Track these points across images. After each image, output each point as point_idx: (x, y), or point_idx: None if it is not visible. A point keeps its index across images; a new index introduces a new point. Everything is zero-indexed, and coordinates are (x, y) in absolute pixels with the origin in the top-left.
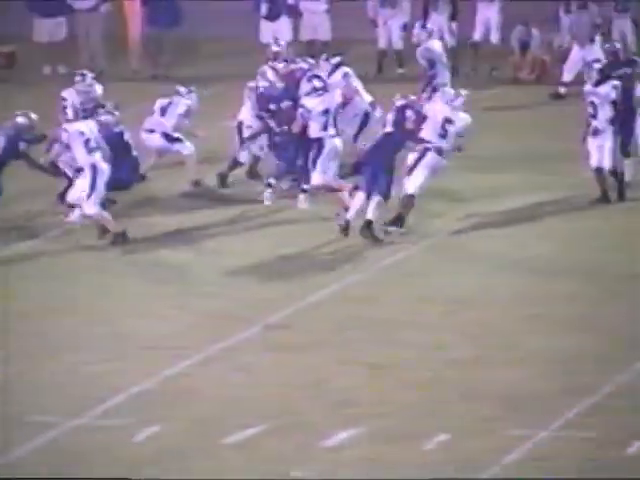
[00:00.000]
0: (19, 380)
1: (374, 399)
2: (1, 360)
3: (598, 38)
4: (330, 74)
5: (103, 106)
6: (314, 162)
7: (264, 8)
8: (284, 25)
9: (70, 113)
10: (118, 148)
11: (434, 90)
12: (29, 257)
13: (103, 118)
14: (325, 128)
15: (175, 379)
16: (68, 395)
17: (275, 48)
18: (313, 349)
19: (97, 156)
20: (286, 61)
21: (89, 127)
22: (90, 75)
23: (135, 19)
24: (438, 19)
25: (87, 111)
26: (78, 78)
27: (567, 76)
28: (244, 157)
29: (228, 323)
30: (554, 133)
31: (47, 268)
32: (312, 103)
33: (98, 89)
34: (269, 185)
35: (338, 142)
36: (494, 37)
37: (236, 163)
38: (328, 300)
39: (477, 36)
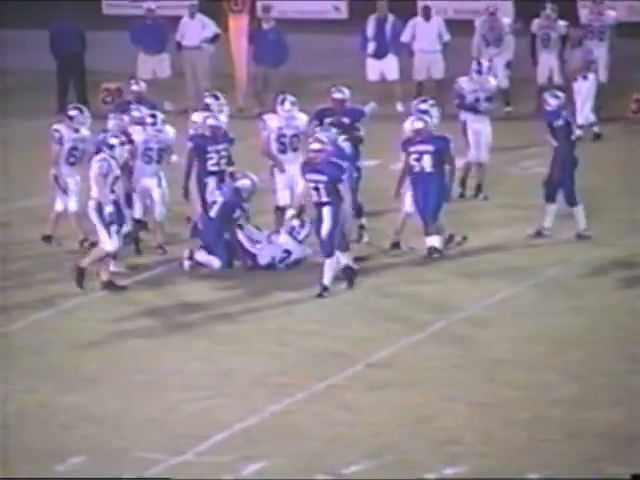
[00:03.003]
0: (125, 415)
1: (477, 438)
2: (108, 396)
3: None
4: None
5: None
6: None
7: (371, 46)
8: (391, 64)
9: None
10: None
11: None
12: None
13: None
14: None
15: (279, 416)
16: (172, 431)
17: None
18: (416, 387)
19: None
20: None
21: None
22: None
23: (241, 57)
24: (548, 58)
25: None
26: None
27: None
28: None
29: (331, 361)
30: None
31: (152, 304)
32: None
33: None
34: None
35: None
36: (602, 76)
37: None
38: (431, 338)
39: None
